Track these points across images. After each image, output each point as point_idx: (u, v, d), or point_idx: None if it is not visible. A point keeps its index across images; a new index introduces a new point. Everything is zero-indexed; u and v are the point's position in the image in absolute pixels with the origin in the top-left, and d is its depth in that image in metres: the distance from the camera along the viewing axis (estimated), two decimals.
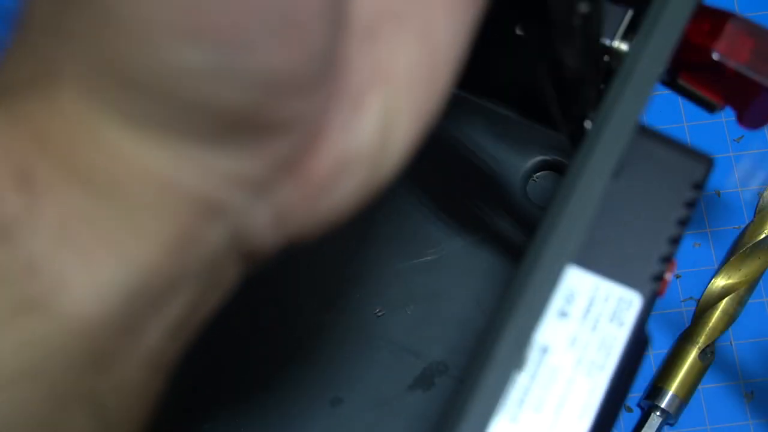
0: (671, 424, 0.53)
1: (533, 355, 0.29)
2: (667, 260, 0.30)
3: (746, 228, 0.55)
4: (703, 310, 0.54)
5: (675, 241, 0.30)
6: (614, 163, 0.26)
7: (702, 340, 0.52)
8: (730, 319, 0.53)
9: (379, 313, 0.48)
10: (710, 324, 0.53)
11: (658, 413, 0.51)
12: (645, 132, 0.32)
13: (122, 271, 0.20)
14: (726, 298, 0.53)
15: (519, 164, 0.50)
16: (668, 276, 0.33)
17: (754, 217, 0.55)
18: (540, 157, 0.50)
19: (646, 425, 0.51)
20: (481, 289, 0.48)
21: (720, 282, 0.54)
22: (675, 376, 0.52)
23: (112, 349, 0.21)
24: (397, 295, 0.48)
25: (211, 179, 0.21)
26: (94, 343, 0.21)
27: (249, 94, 0.20)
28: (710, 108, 0.37)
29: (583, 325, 0.29)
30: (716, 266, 0.55)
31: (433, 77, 0.25)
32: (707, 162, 0.31)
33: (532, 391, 0.28)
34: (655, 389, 0.52)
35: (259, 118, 0.21)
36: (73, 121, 0.20)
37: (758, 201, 0.55)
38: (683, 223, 0.30)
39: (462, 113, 0.50)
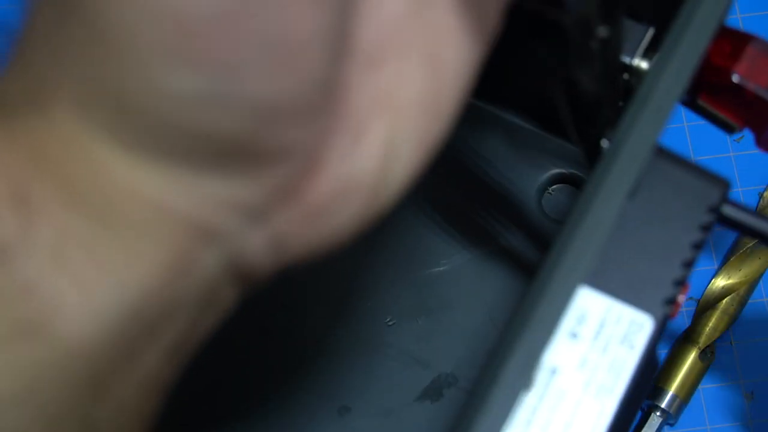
0: (671, 424, 0.53)
1: (542, 375, 0.28)
2: (681, 284, 0.30)
3: None
4: (703, 310, 0.53)
5: (689, 265, 0.30)
6: (631, 184, 0.26)
7: (702, 340, 0.52)
8: (730, 319, 0.53)
9: (390, 323, 0.48)
10: (710, 324, 0.53)
11: (658, 413, 0.51)
12: (661, 153, 0.32)
13: (117, 295, 0.20)
14: (726, 298, 0.53)
15: (534, 177, 0.50)
16: (681, 298, 0.33)
17: None
18: (556, 170, 0.50)
19: (646, 425, 0.51)
20: (492, 302, 0.48)
21: (720, 282, 0.53)
22: (675, 376, 0.52)
23: (107, 373, 0.21)
24: (409, 305, 0.48)
25: (207, 204, 0.21)
26: (88, 366, 0.20)
27: (243, 122, 0.20)
28: (729, 129, 0.37)
29: (593, 346, 0.29)
30: (716, 266, 0.55)
31: (437, 106, 0.24)
32: (723, 185, 0.31)
33: (540, 411, 0.28)
34: (655, 389, 0.52)
35: (255, 146, 0.21)
36: (69, 140, 0.20)
37: (758, 201, 0.55)
38: (698, 246, 0.30)
39: (477, 123, 0.50)
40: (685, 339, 0.53)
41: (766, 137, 0.35)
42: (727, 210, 0.31)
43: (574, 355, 0.29)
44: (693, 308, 0.54)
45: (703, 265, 0.55)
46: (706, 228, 0.30)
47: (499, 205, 0.50)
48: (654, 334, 0.29)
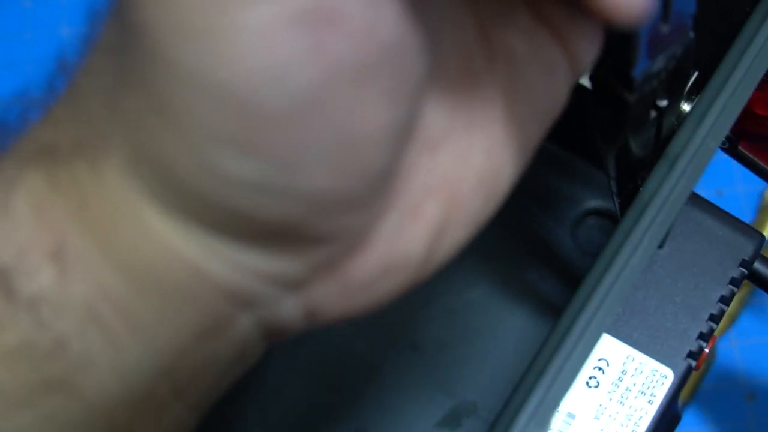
0: None
1: (558, 421, 0.28)
2: (706, 338, 0.29)
3: None
4: None
5: (716, 319, 0.29)
6: (662, 234, 0.26)
7: None
8: (730, 319, 0.53)
9: (414, 348, 0.47)
10: None
11: None
12: (697, 201, 0.31)
13: (147, 355, 0.20)
14: None
15: (570, 208, 0.49)
16: (708, 350, 0.32)
17: (755, 216, 0.55)
18: (593, 202, 0.49)
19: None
20: (519, 333, 0.47)
21: None
22: None
23: (130, 426, 0.21)
24: (434, 331, 0.48)
25: (246, 275, 0.21)
26: (114, 421, 0.21)
27: (294, 211, 0.20)
28: None
29: (611, 396, 0.28)
30: None
31: (492, 190, 0.24)
32: (759, 239, 0.30)
33: None
34: None
35: (303, 231, 0.20)
36: (115, 197, 0.20)
37: (759, 201, 0.56)
38: (727, 301, 0.30)
39: None
40: None
41: None
42: (759, 267, 0.30)
43: (592, 402, 0.28)
44: None
45: None
46: (736, 282, 0.30)
47: (532, 236, 0.49)
48: (675, 388, 0.28)
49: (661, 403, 0.28)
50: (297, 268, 0.21)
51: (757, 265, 0.30)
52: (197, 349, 0.21)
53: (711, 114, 0.27)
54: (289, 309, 0.22)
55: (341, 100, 0.18)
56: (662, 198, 0.26)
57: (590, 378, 0.28)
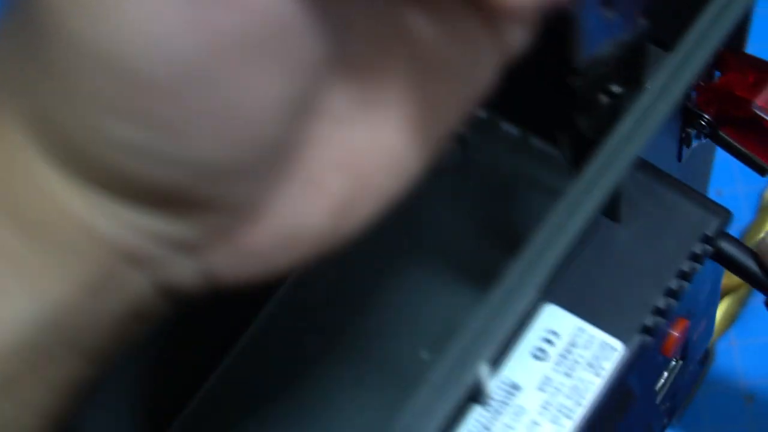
0: (671, 425, 0.51)
1: (501, 392, 0.27)
2: (663, 313, 0.28)
3: (747, 227, 0.54)
4: None
5: (674, 295, 0.28)
6: (601, 199, 0.25)
7: None
8: (730, 319, 0.52)
9: (424, 356, 0.46)
10: None
11: None
12: (662, 176, 0.30)
13: (36, 306, 0.21)
14: (726, 298, 0.52)
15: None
16: (677, 335, 0.31)
17: (755, 216, 0.55)
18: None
19: None
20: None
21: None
22: None
23: (18, 373, 0.21)
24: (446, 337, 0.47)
25: (137, 235, 0.21)
26: (3, 371, 0.21)
27: (182, 177, 0.20)
28: (761, 171, 0.35)
29: (558, 368, 0.27)
30: None
31: (403, 168, 0.24)
32: (723, 215, 0.29)
33: (492, 430, 0.27)
34: None
35: (192, 197, 0.21)
36: (10, 152, 0.20)
37: (758, 201, 0.55)
38: (686, 276, 0.28)
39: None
40: None
41: None
42: (724, 244, 0.29)
43: (538, 374, 0.27)
44: None
45: None
46: (697, 258, 0.29)
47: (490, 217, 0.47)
48: (625, 362, 0.27)
49: (610, 377, 0.27)
50: (190, 233, 0.22)
51: (723, 244, 0.29)
52: (88, 303, 0.21)
53: (659, 78, 0.26)
54: (186, 272, 0.22)
55: (227, 72, 0.19)
56: (602, 160, 0.25)
57: (538, 350, 0.27)
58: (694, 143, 0.36)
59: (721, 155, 0.54)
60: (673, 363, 0.35)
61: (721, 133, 0.34)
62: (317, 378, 0.46)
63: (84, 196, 0.21)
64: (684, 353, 0.35)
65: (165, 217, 0.21)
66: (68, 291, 0.21)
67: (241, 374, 0.44)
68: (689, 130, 0.35)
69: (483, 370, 0.24)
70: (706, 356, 0.45)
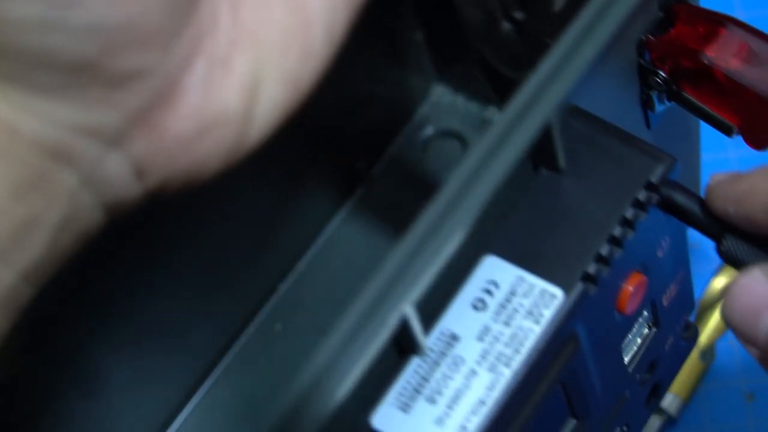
0: (671, 425, 0.51)
1: (438, 343, 0.27)
2: (605, 261, 0.28)
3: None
4: (703, 310, 0.52)
5: (617, 242, 0.28)
6: (526, 143, 0.24)
7: (702, 340, 0.51)
8: None
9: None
10: (710, 324, 0.51)
11: (658, 413, 0.50)
12: (607, 129, 0.30)
13: None
14: None
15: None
16: (631, 289, 0.30)
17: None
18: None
19: (646, 425, 0.48)
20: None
21: (720, 282, 0.53)
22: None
23: None
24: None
25: (57, 128, 0.21)
26: None
27: (84, 46, 0.20)
28: (727, 131, 0.34)
29: (497, 317, 0.27)
30: (716, 266, 0.54)
31: (305, 46, 0.24)
32: (668, 162, 0.29)
33: (431, 380, 0.26)
34: None
35: (100, 69, 0.21)
36: None
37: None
38: (629, 223, 0.28)
39: None
40: None
41: (752, 133, 0.33)
42: (669, 191, 0.29)
43: (477, 324, 0.27)
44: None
45: (703, 266, 0.54)
46: (641, 204, 0.28)
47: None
48: (566, 310, 0.27)
49: (549, 323, 0.27)
50: (108, 119, 0.22)
51: (669, 191, 0.29)
52: (14, 207, 0.21)
53: (582, 18, 0.26)
54: (114, 167, 0.22)
55: None
56: (524, 99, 0.25)
57: (478, 300, 0.27)
58: (659, 107, 0.35)
59: (721, 155, 0.54)
60: (646, 330, 0.35)
61: (684, 93, 0.33)
62: None
63: None
64: (655, 319, 0.34)
65: (81, 103, 0.21)
66: None
67: None
68: (649, 92, 0.35)
69: (409, 311, 0.24)
70: (693, 332, 0.44)
